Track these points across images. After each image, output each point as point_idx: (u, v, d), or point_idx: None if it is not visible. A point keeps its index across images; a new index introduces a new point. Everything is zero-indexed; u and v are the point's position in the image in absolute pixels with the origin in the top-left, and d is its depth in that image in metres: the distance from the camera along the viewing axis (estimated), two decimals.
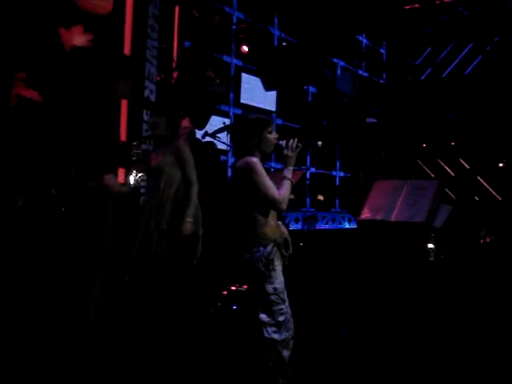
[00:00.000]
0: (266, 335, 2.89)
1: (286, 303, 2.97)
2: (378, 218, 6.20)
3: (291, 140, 3.01)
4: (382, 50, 13.38)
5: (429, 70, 12.76)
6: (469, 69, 12.00)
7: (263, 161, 3.09)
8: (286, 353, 2.91)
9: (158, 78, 7.36)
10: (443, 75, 12.44)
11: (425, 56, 12.86)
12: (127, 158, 4.27)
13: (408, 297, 5.33)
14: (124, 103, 6.76)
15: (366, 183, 7.36)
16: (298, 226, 9.89)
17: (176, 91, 7.33)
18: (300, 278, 5.37)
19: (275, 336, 2.89)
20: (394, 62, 13.13)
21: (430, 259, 6.21)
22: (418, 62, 12.97)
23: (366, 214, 6.41)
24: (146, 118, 6.90)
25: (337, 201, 12.09)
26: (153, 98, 7.12)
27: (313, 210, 10.82)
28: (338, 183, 12.23)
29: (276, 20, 10.29)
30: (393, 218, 6.09)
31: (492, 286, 6.13)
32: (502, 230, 8.35)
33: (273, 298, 2.90)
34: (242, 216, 3.02)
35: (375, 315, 4.97)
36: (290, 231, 3.24)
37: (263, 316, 2.91)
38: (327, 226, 11.27)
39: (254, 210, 2.99)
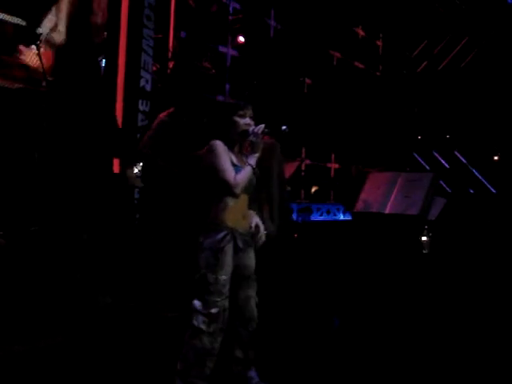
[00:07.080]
0: (195, 323, 2.82)
1: (224, 297, 2.85)
2: (373, 210, 6.23)
3: (257, 126, 2.97)
4: (378, 42, 13.38)
5: (425, 62, 12.76)
6: (465, 62, 12.00)
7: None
8: (209, 345, 2.82)
9: (154, 68, 7.34)
10: (439, 68, 12.44)
11: (421, 48, 12.84)
12: (123, 149, 4.26)
13: (401, 289, 5.36)
14: (120, 93, 6.76)
15: (357, 177, 7.38)
16: (293, 218, 9.88)
17: (171, 81, 7.31)
18: (294, 269, 5.38)
19: (203, 326, 2.81)
20: (390, 54, 13.12)
21: (424, 251, 6.24)
22: (414, 55, 12.96)
23: (360, 206, 6.44)
24: (141, 107, 6.89)
25: (331, 192, 12.11)
26: (148, 87, 7.10)
27: (307, 201, 10.83)
28: (332, 175, 12.24)
29: (272, 11, 10.26)
30: (387, 210, 6.12)
31: (486, 278, 6.16)
32: (495, 223, 8.38)
33: (211, 288, 2.81)
34: (205, 199, 2.95)
35: (369, 307, 5.00)
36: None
37: (197, 303, 2.83)
38: (322, 218, 11.28)
39: (214, 193, 2.93)
